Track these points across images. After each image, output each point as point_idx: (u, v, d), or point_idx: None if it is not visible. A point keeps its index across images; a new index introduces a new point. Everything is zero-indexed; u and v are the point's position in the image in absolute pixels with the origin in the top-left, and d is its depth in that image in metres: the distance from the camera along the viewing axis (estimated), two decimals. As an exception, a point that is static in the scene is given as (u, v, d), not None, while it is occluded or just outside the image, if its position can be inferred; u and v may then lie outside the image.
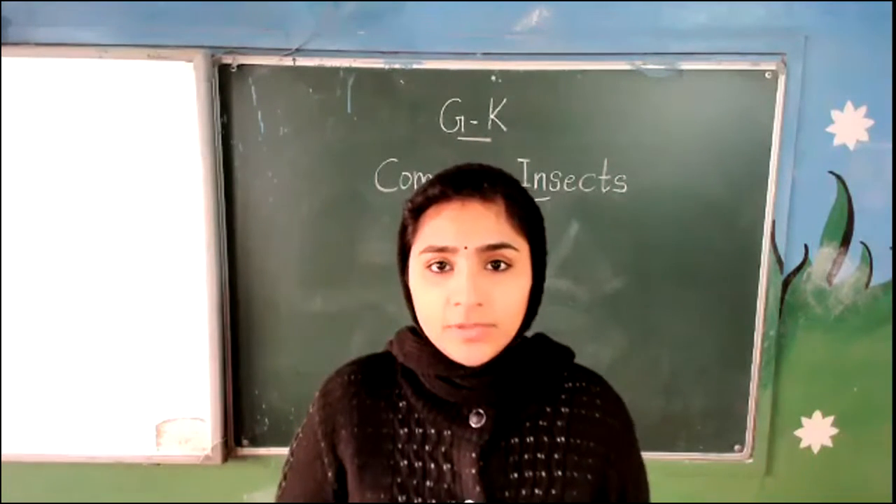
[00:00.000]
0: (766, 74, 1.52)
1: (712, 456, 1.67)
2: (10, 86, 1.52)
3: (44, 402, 1.62)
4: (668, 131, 1.55)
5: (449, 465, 0.72)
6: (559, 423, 0.74)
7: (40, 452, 1.64)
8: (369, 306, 1.60)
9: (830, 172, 1.58)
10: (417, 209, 0.72)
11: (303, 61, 1.53)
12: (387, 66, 1.53)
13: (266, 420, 1.66)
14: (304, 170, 1.57)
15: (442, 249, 0.69)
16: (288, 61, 1.53)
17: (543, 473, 0.72)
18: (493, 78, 1.53)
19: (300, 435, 0.81)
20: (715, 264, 1.60)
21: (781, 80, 1.52)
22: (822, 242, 1.61)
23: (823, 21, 1.52)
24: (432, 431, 0.74)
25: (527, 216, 0.72)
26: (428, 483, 0.72)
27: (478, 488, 0.70)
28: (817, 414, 1.68)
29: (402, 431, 0.74)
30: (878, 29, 1.52)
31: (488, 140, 1.55)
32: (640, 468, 0.81)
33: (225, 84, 1.54)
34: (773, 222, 1.57)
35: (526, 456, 0.73)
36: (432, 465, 0.73)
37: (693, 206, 1.57)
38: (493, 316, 0.68)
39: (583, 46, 1.52)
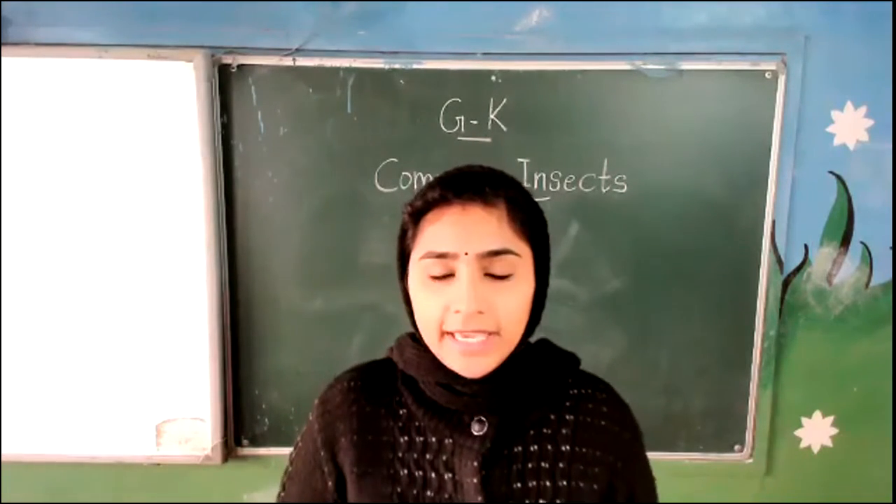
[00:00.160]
0: (766, 74, 1.52)
1: (712, 456, 1.66)
2: (10, 86, 1.51)
3: (44, 402, 1.61)
4: (668, 131, 1.54)
5: (450, 475, 0.70)
6: (564, 431, 0.72)
7: (40, 452, 1.62)
8: (369, 306, 1.59)
9: (830, 172, 1.57)
10: (417, 213, 0.69)
11: (303, 61, 1.52)
12: (387, 66, 1.52)
13: (266, 420, 1.65)
14: (304, 170, 1.56)
15: (442, 255, 0.66)
16: (288, 61, 1.52)
17: (548, 483, 0.69)
18: (493, 78, 1.52)
19: (299, 444, 0.79)
20: (715, 264, 1.58)
21: (781, 80, 1.51)
22: (822, 242, 1.60)
23: (823, 21, 1.51)
24: (433, 440, 0.71)
25: (529, 220, 0.70)
26: (428, 493, 0.70)
27: (480, 498, 0.67)
28: (817, 414, 1.67)
29: (402, 440, 0.72)
30: (878, 29, 1.51)
31: (488, 140, 1.54)
32: (648, 477, 0.78)
33: (225, 84, 1.53)
34: (773, 222, 1.56)
35: (530, 465, 0.70)
36: (433, 475, 0.70)
37: (693, 206, 1.56)
38: (494, 323, 0.66)
39: (583, 46, 1.51)
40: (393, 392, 0.75)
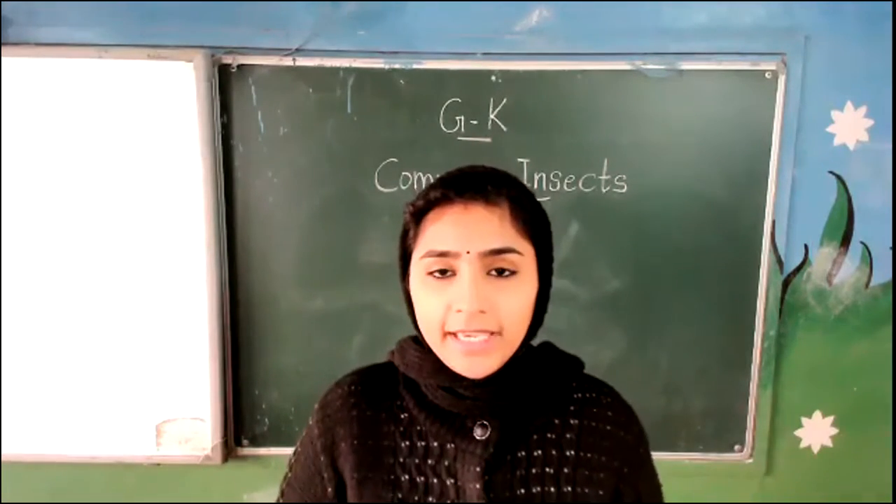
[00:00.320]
0: (766, 74, 1.51)
1: (712, 456, 1.65)
2: (10, 86, 1.50)
3: (44, 402, 1.60)
4: (668, 131, 1.53)
5: (452, 480, 0.68)
6: (568, 436, 0.70)
7: (40, 452, 1.61)
8: (369, 306, 1.58)
9: (830, 172, 1.56)
10: (419, 213, 0.68)
11: (303, 61, 1.51)
12: (387, 66, 1.51)
13: (266, 420, 1.65)
14: (304, 170, 1.55)
15: (443, 254, 0.65)
16: (288, 61, 1.52)
17: (552, 489, 0.68)
18: (493, 78, 1.51)
19: (298, 449, 0.78)
20: (715, 264, 1.57)
21: (781, 80, 1.50)
22: (822, 242, 1.59)
23: (823, 21, 1.50)
24: (435, 444, 0.70)
25: (532, 220, 0.68)
26: (430, 499, 0.68)
27: None
28: (817, 414, 1.66)
29: (403, 444, 0.71)
30: (878, 29, 1.50)
31: (488, 140, 1.54)
32: (654, 482, 0.77)
33: (225, 84, 1.52)
34: (773, 222, 1.55)
35: (533, 470, 0.68)
36: (435, 480, 0.69)
37: (693, 206, 1.56)
38: (496, 323, 0.64)
39: (583, 46, 1.50)
40: (394, 396, 0.74)
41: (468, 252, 0.64)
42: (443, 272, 0.66)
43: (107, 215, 1.55)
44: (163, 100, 1.51)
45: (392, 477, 0.70)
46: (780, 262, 1.58)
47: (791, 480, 1.68)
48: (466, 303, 0.63)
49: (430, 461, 0.69)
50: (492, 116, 1.52)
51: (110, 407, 1.61)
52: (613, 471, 0.70)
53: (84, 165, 1.53)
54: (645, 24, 1.51)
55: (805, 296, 1.61)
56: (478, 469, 0.67)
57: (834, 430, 1.67)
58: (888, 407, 1.65)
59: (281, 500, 0.79)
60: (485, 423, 0.68)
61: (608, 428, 0.72)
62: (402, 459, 0.70)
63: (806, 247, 1.59)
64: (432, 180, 0.71)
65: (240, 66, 1.51)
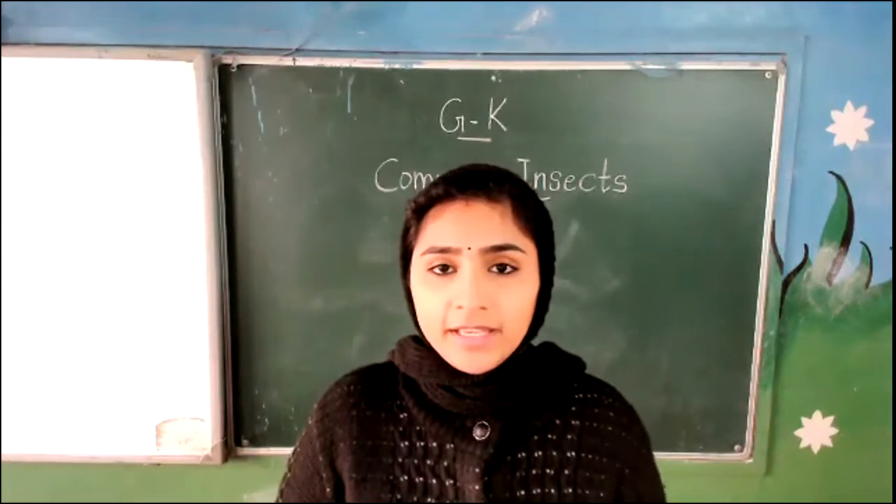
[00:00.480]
0: (766, 74, 1.51)
1: (712, 456, 1.65)
2: (10, 86, 1.50)
3: (44, 402, 1.59)
4: (668, 131, 1.52)
5: (451, 481, 0.68)
6: (569, 437, 0.69)
7: (40, 452, 1.61)
8: (369, 306, 1.58)
9: (830, 172, 1.56)
10: (420, 210, 0.68)
11: (303, 61, 1.51)
12: (387, 66, 1.51)
13: (266, 420, 1.64)
14: (304, 170, 1.55)
15: (444, 250, 0.65)
16: (288, 61, 1.51)
17: (552, 490, 0.67)
18: (493, 78, 1.51)
19: (298, 449, 0.77)
20: (715, 264, 1.57)
21: (781, 80, 1.50)
22: (822, 242, 1.59)
23: (823, 21, 1.49)
24: (434, 445, 0.69)
25: (534, 218, 0.68)
26: (429, 499, 0.68)
27: None
28: (817, 414, 1.66)
29: (402, 445, 0.70)
30: (878, 29, 1.50)
31: (488, 140, 1.54)
32: (656, 484, 0.76)
33: (225, 84, 1.52)
34: (773, 222, 1.55)
35: (534, 471, 0.68)
36: (434, 481, 0.68)
37: (693, 206, 1.55)
38: (497, 320, 0.64)
39: (583, 46, 1.50)
40: (393, 396, 0.73)
41: (469, 248, 0.64)
42: (444, 269, 0.65)
43: (107, 215, 1.55)
44: (163, 100, 1.51)
45: (391, 477, 0.69)
46: (780, 262, 1.57)
47: (791, 480, 1.68)
48: (467, 299, 0.63)
49: (429, 461, 0.69)
50: (492, 116, 1.52)
51: (110, 407, 1.60)
52: (615, 472, 0.70)
53: (84, 166, 1.53)
54: (645, 24, 1.50)
55: (805, 296, 1.61)
56: (477, 470, 0.66)
57: (834, 430, 1.66)
58: (888, 407, 1.65)
59: (280, 500, 0.78)
60: (485, 423, 0.68)
61: (609, 429, 0.71)
62: (401, 460, 0.70)
63: (806, 247, 1.59)
64: (433, 180, 0.70)
65: (240, 66, 1.51)
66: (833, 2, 1.49)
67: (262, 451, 1.64)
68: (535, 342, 0.74)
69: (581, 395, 0.73)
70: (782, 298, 1.59)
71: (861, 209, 1.57)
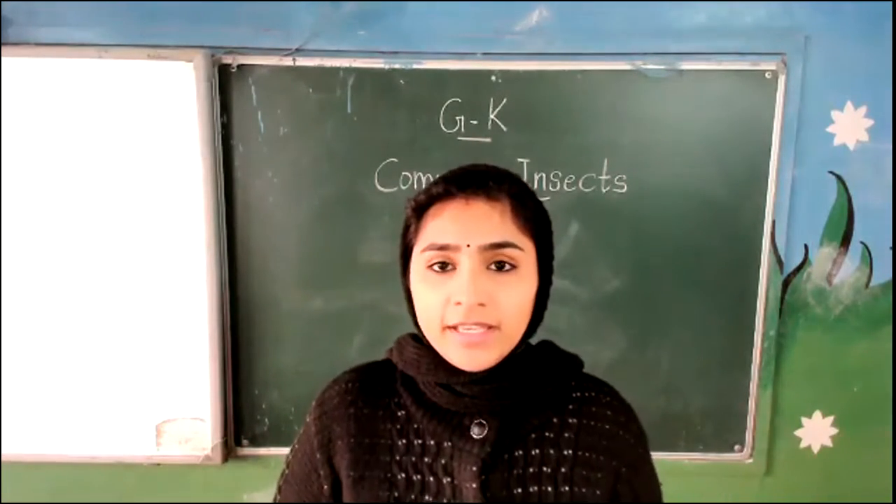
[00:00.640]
0: (766, 74, 1.51)
1: (712, 456, 1.65)
2: (10, 86, 1.50)
3: (44, 402, 1.60)
4: (668, 131, 1.53)
5: (449, 479, 0.68)
6: (567, 435, 0.70)
7: (40, 452, 1.62)
8: (369, 306, 1.58)
9: (830, 172, 1.57)
10: (420, 208, 0.69)
11: (303, 61, 1.51)
12: (387, 66, 1.51)
13: (266, 420, 1.65)
14: (304, 170, 1.55)
15: (443, 248, 0.65)
16: (288, 61, 1.52)
17: (549, 488, 0.67)
18: (493, 78, 1.52)
19: (296, 446, 0.78)
20: (715, 264, 1.58)
21: (781, 80, 1.50)
22: (822, 242, 1.59)
23: (823, 21, 1.50)
24: (432, 443, 0.70)
25: (534, 217, 0.69)
26: (427, 497, 0.68)
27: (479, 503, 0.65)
28: (817, 414, 1.66)
29: (400, 443, 0.70)
30: (878, 29, 1.50)
31: (488, 140, 1.54)
32: (653, 483, 0.76)
33: (225, 84, 1.52)
34: (773, 222, 1.55)
35: (531, 469, 0.68)
36: (431, 479, 0.69)
37: (693, 206, 1.56)
38: (495, 317, 0.65)
39: (583, 46, 1.51)
40: (391, 394, 0.74)
41: (468, 245, 0.65)
42: (443, 266, 0.66)
43: (107, 215, 1.55)
44: (163, 100, 1.51)
45: (388, 475, 0.70)
46: (780, 262, 1.58)
47: (791, 480, 1.68)
48: (465, 295, 0.64)
49: (426, 459, 0.69)
50: (492, 116, 1.52)
51: (110, 407, 1.61)
52: (611, 470, 0.70)
53: (84, 166, 1.53)
54: (645, 24, 1.51)
55: (805, 296, 1.61)
56: (474, 468, 0.67)
57: (834, 430, 1.67)
58: (888, 407, 1.65)
59: (278, 497, 0.79)
60: (482, 421, 0.68)
61: (607, 427, 0.71)
62: (398, 457, 0.70)
63: (806, 247, 1.59)
64: (433, 179, 0.71)
65: (240, 66, 1.51)
66: (833, 2, 1.50)
67: (262, 451, 1.65)
68: (533, 341, 0.75)
69: (579, 394, 0.73)
70: (782, 298, 1.60)
71: (861, 209, 1.57)
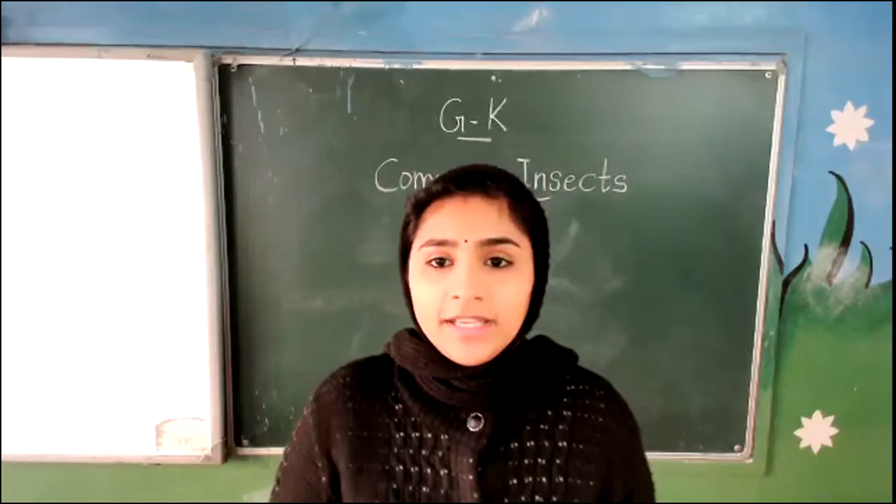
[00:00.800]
0: (766, 74, 1.52)
1: (712, 456, 1.67)
2: (10, 86, 1.51)
3: (44, 402, 1.61)
4: (668, 131, 1.54)
5: (446, 471, 0.70)
6: (561, 428, 0.72)
7: (40, 452, 1.63)
8: (369, 306, 1.59)
9: (830, 172, 1.58)
10: (420, 205, 0.71)
11: (303, 61, 1.52)
12: (387, 66, 1.52)
13: (266, 420, 1.65)
14: (304, 170, 1.56)
15: (442, 243, 0.68)
16: (288, 61, 1.52)
17: (544, 479, 0.69)
18: (493, 78, 1.52)
19: (294, 439, 0.80)
20: (715, 264, 1.59)
21: (781, 80, 1.52)
22: (822, 242, 1.61)
23: (823, 21, 1.51)
24: (429, 436, 0.72)
25: (530, 215, 0.71)
26: (424, 489, 0.70)
27: (475, 495, 0.67)
28: (817, 414, 1.67)
29: (397, 435, 0.72)
30: (878, 29, 1.52)
31: (488, 140, 1.55)
32: (646, 475, 0.78)
33: (225, 84, 1.53)
34: (773, 222, 1.57)
35: (526, 461, 0.70)
36: (429, 471, 0.70)
37: (693, 206, 1.57)
38: (491, 311, 0.67)
39: (583, 46, 1.52)
40: (389, 388, 0.76)
41: (466, 241, 0.67)
42: (441, 262, 0.68)
43: (107, 215, 1.56)
44: (163, 100, 1.52)
45: (387, 467, 0.71)
46: (780, 262, 1.58)
47: (791, 480, 1.69)
48: (463, 289, 0.66)
49: (424, 452, 0.71)
50: (492, 116, 1.53)
51: (110, 407, 1.62)
52: (605, 462, 0.72)
53: (84, 166, 1.54)
54: (645, 24, 1.52)
55: (805, 296, 1.62)
56: (471, 460, 0.68)
57: (834, 430, 1.67)
58: (888, 407, 1.66)
59: (276, 489, 0.80)
60: (479, 415, 0.70)
61: (601, 420, 0.74)
62: (396, 450, 0.72)
63: (806, 247, 1.60)
64: (432, 179, 0.73)
65: (240, 66, 1.52)
66: (833, 2, 1.51)
67: (262, 451, 1.66)
68: (530, 337, 0.77)
69: (573, 387, 0.75)
70: (782, 298, 1.61)
71: (861, 209, 1.58)
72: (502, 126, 1.54)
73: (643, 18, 1.52)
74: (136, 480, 1.67)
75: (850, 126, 1.55)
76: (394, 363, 0.77)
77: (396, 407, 0.74)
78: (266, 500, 0.82)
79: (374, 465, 0.72)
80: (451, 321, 0.67)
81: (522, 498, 0.69)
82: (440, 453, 0.71)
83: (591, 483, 0.71)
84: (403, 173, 1.56)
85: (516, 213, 0.69)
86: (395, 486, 0.70)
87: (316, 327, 1.61)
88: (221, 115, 1.54)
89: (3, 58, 1.49)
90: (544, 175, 1.56)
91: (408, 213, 0.73)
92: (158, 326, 1.59)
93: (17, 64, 1.51)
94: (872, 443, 1.68)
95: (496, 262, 0.68)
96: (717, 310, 1.61)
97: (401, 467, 0.71)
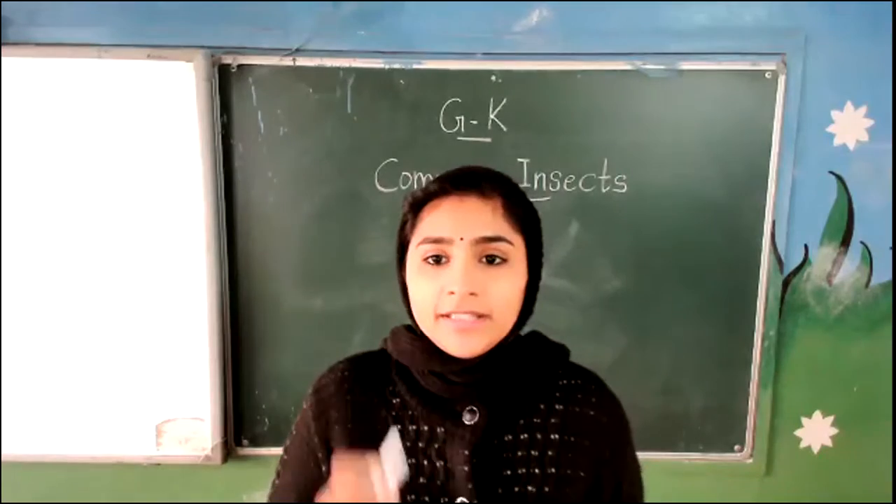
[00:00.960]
0: (766, 74, 1.53)
1: (712, 456, 1.68)
2: (10, 86, 1.52)
3: (44, 402, 1.63)
4: (668, 131, 1.56)
5: (442, 462, 0.73)
6: (553, 421, 0.75)
7: (40, 452, 1.65)
8: (369, 306, 1.61)
9: (830, 172, 1.59)
10: (417, 204, 0.75)
11: (303, 61, 1.53)
12: (387, 66, 1.54)
13: (266, 420, 1.66)
14: (304, 170, 1.57)
15: (438, 241, 0.71)
16: (288, 61, 1.53)
17: (537, 470, 0.72)
18: (493, 78, 1.54)
19: (293, 431, 0.82)
20: (715, 264, 1.61)
21: (781, 80, 1.53)
22: (822, 242, 1.62)
23: (823, 21, 1.53)
24: (425, 428, 0.74)
25: (524, 215, 0.74)
26: (421, 480, 0.73)
27: (470, 485, 0.70)
28: (817, 414, 1.68)
29: (395, 428, 0.75)
30: (878, 29, 1.53)
31: (488, 140, 1.55)
32: (634, 466, 0.81)
33: (225, 84, 1.54)
34: (773, 222, 1.58)
35: (519, 453, 0.73)
36: (425, 462, 0.73)
37: (693, 206, 1.58)
38: (486, 306, 0.70)
39: (583, 46, 1.53)
40: (386, 382, 0.79)
41: (462, 239, 0.70)
42: (437, 260, 0.72)
43: (107, 215, 1.58)
44: (163, 100, 1.54)
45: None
46: (780, 262, 1.59)
47: (791, 480, 1.71)
48: (459, 284, 0.69)
49: (420, 444, 0.74)
50: (492, 116, 1.53)
51: (110, 407, 1.64)
52: (595, 454, 0.75)
53: (84, 166, 1.56)
54: (645, 24, 1.53)
55: (805, 295, 1.63)
56: (466, 452, 0.71)
57: (834, 430, 1.68)
58: (888, 407, 1.67)
59: (276, 479, 0.83)
60: (474, 408, 0.73)
61: (591, 413, 0.77)
62: None
63: (806, 247, 1.61)
64: (430, 179, 0.76)
65: (240, 66, 1.53)
66: (833, 2, 1.51)
67: (262, 451, 1.67)
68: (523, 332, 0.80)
69: (565, 382, 0.78)
70: (782, 298, 1.62)
71: (861, 209, 1.59)
72: (502, 126, 1.55)
73: (643, 18, 1.53)
74: (136, 480, 1.69)
75: (850, 126, 1.56)
76: (391, 358, 0.80)
77: (394, 400, 0.77)
78: (266, 501, 0.83)
79: None
80: (447, 315, 0.70)
81: (515, 488, 0.72)
82: (436, 445, 0.73)
83: (582, 474, 0.74)
84: (403, 173, 1.56)
85: (510, 212, 0.73)
86: None
87: (316, 327, 1.62)
88: (221, 115, 1.54)
89: (3, 58, 1.51)
90: (544, 175, 1.56)
91: (405, 213, 0.76)
92: (158, 326, 1.61)
93: (17, 64, 1.52)
94: (872, 443, 1.70)
95: (490, 260, 0.71)
96: (717, 310, 1.62)
97: None
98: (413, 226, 0.75)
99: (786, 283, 1.62)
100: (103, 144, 1.54)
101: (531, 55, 1.53)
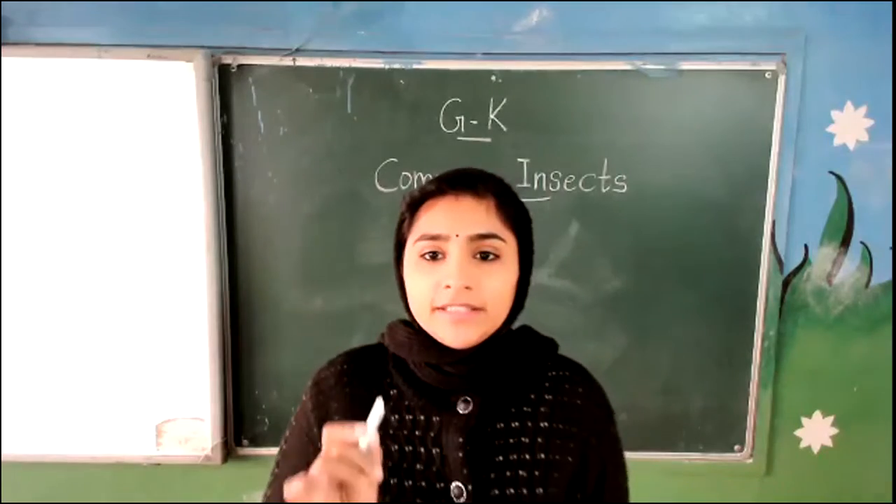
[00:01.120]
0: (766, 74, 1.54)
1: (712, 456, 1.70)
2: (10, 86, 1.54)
3: (44, 402, 1.65)
4: (668, 131, 1.58)
5: (437, 450, 0.77)
6: (542, 410, 0.79)
7: (40, 452, 1.66)
8: (369, 306, 1.63)
9: (830, 172, 1.60)
10: (414, 203, 0.79)
11: (303, 61, 1.55)
12: (387, 66, 1.55)
13: (266, 420, 1.67)
14: (304, 170, 1.59)
15: (435, 237, 0.76)
16: (288, 61, 1.54)
17: (527, 456, 0.77)
18: (493, 78, 1.55)
19: (293, 423, 0.86)
20: (715, 264, 1.63)
21: (781, 80, 1.55)
22: (822, 242, 1.63)
23: (823, 21, 1.55)
24: (422, 418, 0.78)
25: (516, 214, 0.79)
26: (417, 466, 0.77)
27: (464, 470, 0.74)
28: (817, 414, 1.70)
29: (392, 418, 0.79)
30: (878, 29, 1.55)
31: (488, 140, 1.56)
32: (618, 452, 0.86)
33: (225, 84, 1.56)
34: (773, 222, 1.60)
35: (511, 440, 0.77)
36: (422, 450, 0.77)
37: (693, 206, 1.60)
38: (480, 300, 0.75)
39: (583, 46, 1.55)
40: (384, 374, 0.83)
41: (457, 235, 0.75)
42: (434, 256, 0.76)
43: (107, 215, 1.60)
44: (163, 100, 1.55)
45: (382, 447, 0.77)
46: (780, 262, 1.60)
47: (791, 480, 1.72)
48: (454, 279, 0.74)
49: (417, 432, 0.78)
50: (492, 116, 1.54)
51: (110, 407, 1.65)
52: (581, 440, 0.79)
53: (84, 165, 1.58)
54: (645, 24, 1.54)
55: (805, 296, 1.64)
56: (460, 440, 0.75)
57: (834, 430, 1.69)
58: (888, 407, 1.69)
59: (276, 470, 0.86)
60: (467, 398, 0.77)
61: (578, 402, 0.81)
62: (391, 431, 0.78)
63: (806, 247, 1.61)
64: (428, 180, 0.80)
65: (240, 66, 1.54)
66: (833, 2, 1.52)
67: (262, 451, 1.68)
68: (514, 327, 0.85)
69: (554, 373, 0.83)
70: (782, 298, 1.63)
71: (861, 209, 1.60)
72: (502, 126, 1.55)
73: (643, 18, 1.55)
74: (136, 480, 1.71)
75: (850, 126, 1.57)
76: (388, 351, 0.84)
77: (391, 392, 0.81)
78: (265, 490, 0.83)
79: None
80: (443, 308, 0.75)
81: (507, 473, 0.76)
82: (432, 434, 0.77)
83: (570, 459, 0.78)
84: (403, 173, 1.57)
85: (503, 211, 0.78)
86: (390, 463, 0.77)
87: (316, 327, 1.63)
88: (221, 115, 1.55)
89: (3, 58, 1.53)
90: (544, 175, 1.57)
91: (403, 211, 0.81)
92: (158, 326, 1.63)
93: (17, 64, 1.54)
94: (872, 443, 1.72)
95: (484, 256, 0.76)
96: (717, 309, 1.64)
97: (396, 447, 0.78)
98: (410, 224, 0.79)
99: (786, 283, 1.64)
100: (103, 144, 1.56)
101: (531, 55, 1.55)
